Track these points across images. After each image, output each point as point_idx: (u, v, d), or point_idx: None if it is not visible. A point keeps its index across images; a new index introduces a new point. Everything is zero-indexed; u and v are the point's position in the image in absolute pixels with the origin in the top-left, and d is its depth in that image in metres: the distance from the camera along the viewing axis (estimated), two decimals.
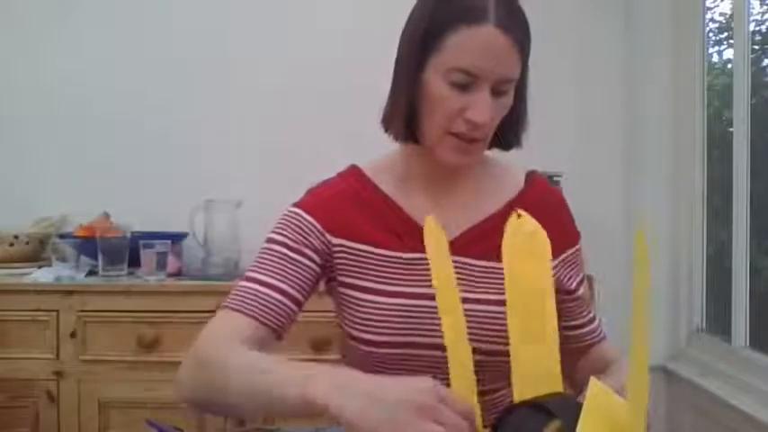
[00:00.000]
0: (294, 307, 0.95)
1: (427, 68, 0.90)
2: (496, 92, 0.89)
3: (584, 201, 2.15)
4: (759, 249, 1.91)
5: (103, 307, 1.86)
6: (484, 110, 0.88)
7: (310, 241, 0.97)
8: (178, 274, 2.03)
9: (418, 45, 0.91)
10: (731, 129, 1.95)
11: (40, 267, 2.00)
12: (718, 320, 2.11)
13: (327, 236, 0.98)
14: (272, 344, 0.94)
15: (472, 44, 0.87)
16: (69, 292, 1.87)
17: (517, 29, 0.88)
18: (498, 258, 0.95)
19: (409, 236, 0.98)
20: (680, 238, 2.23)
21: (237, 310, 0.92)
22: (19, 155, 2.31)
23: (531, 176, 1.05)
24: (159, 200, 2.20)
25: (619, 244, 2.24)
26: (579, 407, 0.69)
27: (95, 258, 1.96)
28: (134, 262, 1.94)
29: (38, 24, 2.31)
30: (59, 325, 1.86)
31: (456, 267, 0.96)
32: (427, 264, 0.96)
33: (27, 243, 2.10)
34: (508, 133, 0.97)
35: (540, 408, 0.72)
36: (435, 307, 0.93)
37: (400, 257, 0.97)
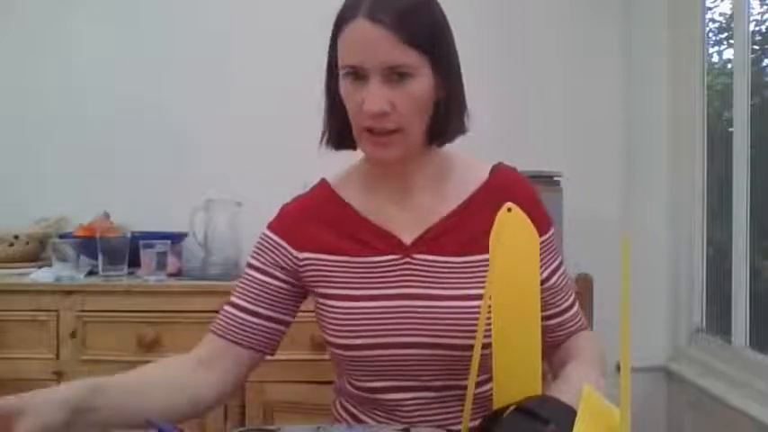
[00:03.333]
0: (268, 324, 1.03)
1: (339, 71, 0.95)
2: (391, 79, 0.90)
3: (584, 201, 2.17)
4: (759, 250, 1.91)
5: (103, 307, 1.86)
6: (373, 100, 0.90)
7: (278, 261, 1.04)
8: (178, 274, 2.03)
9: (330, 50, 0.97)
10: (731, 129, 1.95)
11: (40, 267, 2.00)
12: (718, 320, 2.11)
13: (294, 252, 1.03)
14: (249, 358, 1.03)
15: (348, 40, 0.92)
16: (69, 292, 1.86)
17: (392, 16, 0.89)
18: (462, 253, 0.98)
19: (374, 240, 1.01)
20: (680, 238, 2.23)
21: (212, 331, 1.03)
22: (19, 155, 2.31)
23: (496, 168, 1.05)
24: (159, 200, 2.20)
25: (618, 244, 2.24)
26: (570, 411, 0.69)
27: (95, 258, 1.96)
28: (134, 262, 1.94)
29: (38, 24, 2.31)
30: (59, 325, 1.86)
31: (421, 266, 0.98)
32: (391, 265, 0.99)
33: (27, 243, 2.10)
34: (435, 126, 0.97)
35: (531, 413, 0.72)
36: (402, 306, 0.97)
37: (366, 262, 1.00)
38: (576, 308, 1.06)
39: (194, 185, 2.15)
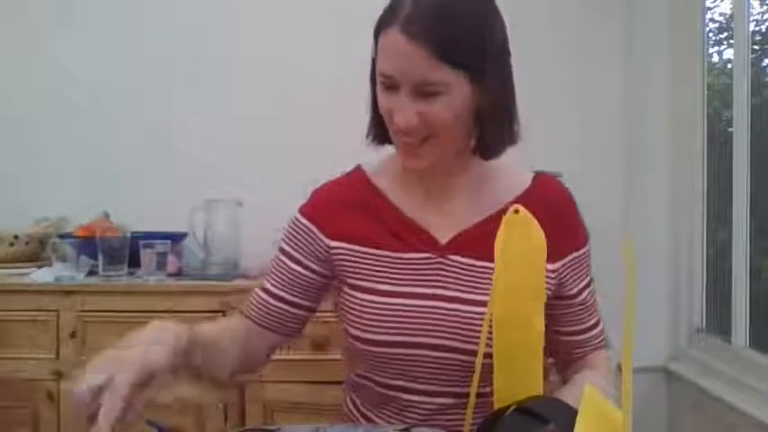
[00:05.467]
0: (299, 312, 1.04)
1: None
2: (422, 94, 0.88)
3: (585, 201, 2.15)
4: (759, 250, 1.91)
5: (103, 307, 1.86)
6: (402, 113, 0.89)
7: (309, 248, 1.03)
8: (178, 274, 2.02)
9: (373, 50, 0.95)
10: (731, 129, 1.95)
11: (40, 267, 2.00)
12: (718, 320, 2.11)
13: (325, 240, 1.02)
14: (278, 341, 1.06)
15: (385, 48, 0.90)
16: (69, 292, 1.86)
17: (428, 33, 0.86)
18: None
19: (408, 236, 0.99)
20: (680, 238, 2.23)
21: (244, 315, 1.06)
22: (19, 155, 2.30)
23: (538, 176, 1.04)
24: (159, 200, 2.20)
25: (618, 244, 2.24)
26: (571, 411, 0.69)
27: (95, 258, 1.96)
28: (134, 262, 1.94)
29: (38, 24, 2.31)
30: (59, 325, 1.86)
31: (454, 268, 0.97)
32: (424, 264, 0.98)
33: (27, 243, 2.10)
34: (481, 142, 0.96)
35: (531, 413, 0.72)
36: (432, 307, 0.96)
37: (399, 258, 0.98)
38: (600, 326, 1.05)
39: (194, 185, 2.16)
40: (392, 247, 0.99)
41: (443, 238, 0.99)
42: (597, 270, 1.81)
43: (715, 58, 2.24)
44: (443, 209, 1.00)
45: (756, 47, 1.96)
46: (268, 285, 1.05)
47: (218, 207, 2.05)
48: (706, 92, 2.18)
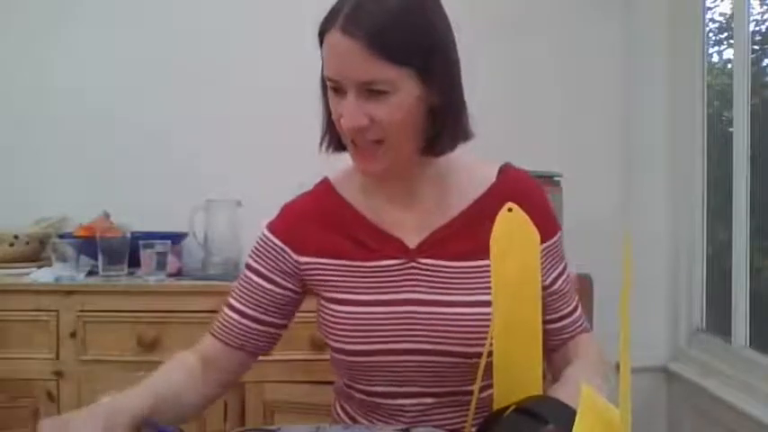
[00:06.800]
0: (270, 330, 1.03)
1: None
2: (369, 94, 0.88)
3: (584, 201, 2.17)
4: (759, 250, 1.91)
5: (103, 307, 1.86)
6: (348, 115, 0.88)
7: (280, 266, 1.02)
8: (178, 274, 2.03)
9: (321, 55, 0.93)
10: (731, 129, 1.95)
11: (40, 267, 2.00)
12: (718, 320, 2.11)
13: (295, 256, 1.01)
14: (249, 359, 1.04)
15: (326, 52, 0.89)
16: (69, 292, 1.86)
17: (367, 29, 0.85)
18: (470, 258, 0.96)
19: (377, 243, 0.99)
20: (680, 238, 2.23)
21: (212, 335, 1.03)
22: (19, 155, 2.30)
23: (503, 169, 1.03)
24: (159, 200, 2.20)
25: (618, 244, 2.24)
26: (569, 411, 0.69)
27: (95, 258, 1.96)
28: (134, 262, 1.94)
29: (38, 24, 2.31)
30: (59, 325, 1.86)
31: (427, 271, 0.97)
32: (396, 270, 0.98)
33: (27, 243, 2.10)
34: (435, 140, 0.94)
35: (530, 413, 0.72)
36: (406, 312, 0.96)
37: (370, 266, 0.98)
38: (578, 312, 1.05)
39: (194, 185, 2.16)
40: (362, 257, 0.98)
41: (412, 242, 0.98)
42: (596, 269, 1.82)
43: (715, 58, 2.25)
44: (408, 212, 1.00)
45: (756, 47, 1.96)
46: (237, 305, 1.03)
47: (218, 207, 2.05)
48: (706, 92, 2.18)
